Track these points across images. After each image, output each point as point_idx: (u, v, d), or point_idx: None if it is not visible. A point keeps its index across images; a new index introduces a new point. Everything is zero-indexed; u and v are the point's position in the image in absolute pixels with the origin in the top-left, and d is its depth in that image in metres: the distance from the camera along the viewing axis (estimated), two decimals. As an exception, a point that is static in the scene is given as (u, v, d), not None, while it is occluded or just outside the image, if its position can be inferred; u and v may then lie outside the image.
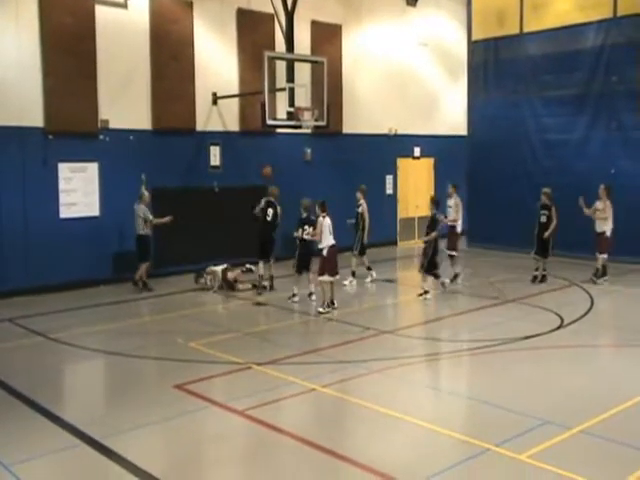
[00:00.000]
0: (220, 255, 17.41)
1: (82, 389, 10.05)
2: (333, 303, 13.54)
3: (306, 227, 14.13)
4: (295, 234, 14.34)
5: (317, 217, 13.81)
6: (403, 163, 23.12)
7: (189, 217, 17.39)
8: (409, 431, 7.91)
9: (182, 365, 10.27)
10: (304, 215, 14.35)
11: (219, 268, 15.75)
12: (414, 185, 23.49)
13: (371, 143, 21.75)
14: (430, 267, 14.57)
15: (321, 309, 13.38)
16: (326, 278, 13.45)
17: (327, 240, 13.49)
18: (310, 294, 14.42)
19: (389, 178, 22.70)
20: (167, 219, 15.57)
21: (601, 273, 15.98)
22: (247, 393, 9.06)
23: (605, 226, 15.80)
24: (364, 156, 21.42)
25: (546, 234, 15.79)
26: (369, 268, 16.47)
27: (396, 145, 22.67)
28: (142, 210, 15.38)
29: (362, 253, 16.43)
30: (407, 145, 23.10)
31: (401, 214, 23.22)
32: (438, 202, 15.09)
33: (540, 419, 7.99)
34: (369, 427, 8.08)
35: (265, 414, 8.28)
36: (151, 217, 15.50)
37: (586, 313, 13.23)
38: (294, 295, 14.34)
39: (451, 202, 16.39)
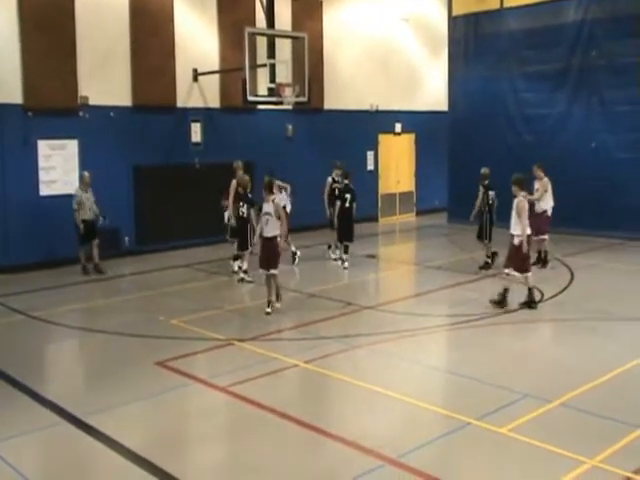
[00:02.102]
0: (202, 232, 17.43)
1: (64, 367, 10.05)
2: (269, 303, 11.80)
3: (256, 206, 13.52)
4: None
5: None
6: (384, 139, 23.10)
7: (170, 194, 17.36)
8: (391, 406, 7.98)
9: (164, 342, 10.28)
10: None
11: None
12: (395, 161, 23.50)
13: (352, 119, 21.69)
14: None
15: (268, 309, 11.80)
16: (260, 271, 12.08)
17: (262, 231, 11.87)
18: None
19: (370, 154, 22.68)
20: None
21: (544, 258, 15.01)
22: (229, 369, 9.10)
23: (546, 205, 14.97)
24: (345, 132, 21.36)
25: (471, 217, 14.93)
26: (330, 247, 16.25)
27: (377, 121, 22.62)
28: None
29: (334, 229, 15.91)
30: (388, 121, 23.06)
31: (382, 190, 23.23)
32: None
33: (520, 393, 8.08)
34: (351, 402, 8.14)
35: (247, 390, 8.31)
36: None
37: (566, 287, 13.35)
38: (242, 271, 14.09)
39: (537, 185, 15.17)
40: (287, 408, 7.80)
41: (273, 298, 11.86)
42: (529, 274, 11.78)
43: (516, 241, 11.64)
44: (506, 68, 20.74)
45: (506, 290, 11.80)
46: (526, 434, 6.97)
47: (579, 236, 18.26)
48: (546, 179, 15.09)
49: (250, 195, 13.89)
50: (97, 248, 15.13)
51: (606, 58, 18.63)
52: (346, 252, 15.48)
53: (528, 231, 11.62)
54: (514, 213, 11.73)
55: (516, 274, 11.70)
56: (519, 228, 11.59)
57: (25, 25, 15.09)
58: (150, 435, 7.42)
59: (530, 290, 11.77)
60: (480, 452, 6.84)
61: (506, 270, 11.88)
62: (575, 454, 6.55)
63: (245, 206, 13.81)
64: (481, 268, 14.78)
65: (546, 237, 15.01)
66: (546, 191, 14.99)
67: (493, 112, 20.90)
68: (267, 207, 11.77)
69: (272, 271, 11.77)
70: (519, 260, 11.70)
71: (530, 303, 11.73)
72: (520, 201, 11.69)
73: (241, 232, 13.96)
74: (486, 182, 14.85)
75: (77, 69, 15.85)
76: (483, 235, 14.86)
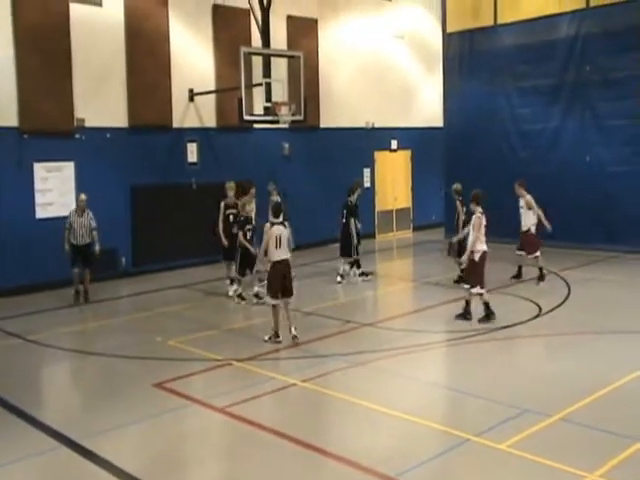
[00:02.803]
0: (199, 252, 17.42)
1: (61, 390, 10.00)
2: (277, 335, 11.09)
3: (248, 227, 13.73)
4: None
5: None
6: (380, 156, 23.15)
7: (167, 214, 17.36)
8: (390, 423, 7.95)
9: (161, 363, 10.24)
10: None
11: None
12: (392, 178, 23.54)
13: (348, 137, 21.76)
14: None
15: (265, 337, 11.19)
16: (269, 300, 11.31)
17: (272, 254, 11.08)
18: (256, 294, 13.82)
19: (367, 171, 22.71)
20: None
21: (540, 274, 14.95)
22: (227, 390, 9.07)
23: (529, 222, 14.88)
24: (342, 150, 21.42)
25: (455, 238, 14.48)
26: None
27: (373, 138, 22.68)
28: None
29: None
30: (384, 138, 23.12)
31: (379, 207, 23.25)
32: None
33: (519, 408, 8.05)
34: (350, 420, 8.11)
35: (245, 410, 8.27)
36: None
37: (564, 301, 13.33)
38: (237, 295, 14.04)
39: (522, 202, 15.17)
40: (285, 428, 7.76)
41: (292, 328, 11.11)
42: (480, 290, 11.81)
43: (476, 257, 11.78)
44: (501, 84, 20.83)
45: (467, 303, 12.06)
46: (526, 449, 6.93)
47: (576, 250, 18.30)
48: (529, 196, 15.00)
49: (248, 217, 13.87)
50: (88, 275, 14.34)
51: (599, 72, 18.72)
52: (352, 267, 15.60)
53: (484, 247, 11.78)
54: (470, 228, 11.97)
55: (474, 289, 11.86)
56: (478, 244, 11.75)
57: (20, 47, 15.14)
58: (148, 457, 7.37)
59: (486, 304, 11.88)
60: (480, 469, 6.80)
61: (465, 286, 12.20)
62: (575, 469, 6.52)
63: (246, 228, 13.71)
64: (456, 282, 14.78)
65: (537, 254, 14.90)
66: (530, 208, 14.89)
67: (488, 127, 20.97)
68: (280, 230, 11.07)
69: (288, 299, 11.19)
70: (473, 274, 11.91)
71: (488, 316, 11.86)
72: (478, 217, 11.85)
73: (242, 256, 13.75)
74: (461, 197, 14.90)
75: (73, 91, 15.88)
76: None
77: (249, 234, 13.70)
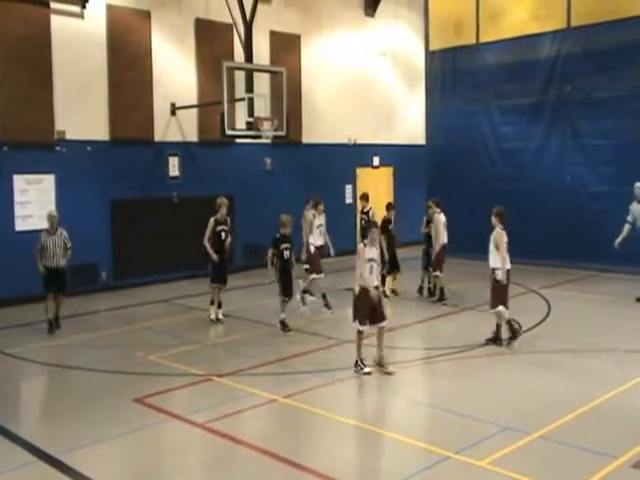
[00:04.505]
0: (179, 266, 17.34)
1: (38, 405, 9.88)
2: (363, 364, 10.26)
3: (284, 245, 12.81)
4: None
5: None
6: (362, 172, 23.20)
7: (148, 228, 17.28)
8: (369, 439, 7.92)
9: (142, 378, 10.15)
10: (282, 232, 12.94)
11: None
12: (373, 194, 23.46)
13: (331, 153, 21.81)
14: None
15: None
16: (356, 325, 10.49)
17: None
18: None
19: (349, 187, 22.77)
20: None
21: (439, 295, 14.94)
22: (207, 405, 9.00)
23: (436, 243, 14.95)
24: (324, 165, 21.47)
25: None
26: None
27: (355, 154, 22.76)
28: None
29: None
30: (366, 154, 23.21)
31: (361, 223, 23.22)
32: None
33: (500, 425, 8.05)
34: (329, 437, 8.06)
35: (226, 426, 8.21)
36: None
37: (544, 319, 13.38)
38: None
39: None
40: (265, 443, 7.70)
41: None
42: (504, 309, 11.56)
43: (500, 276, 11.35)
44: (483, 102, 21.02)
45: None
46: (506, 467, 6.92)
47: (555, 268, 18.46)
48: (439, 216, 14.95)
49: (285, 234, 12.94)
50: (62, 300, 13.20)
51: (580, 92, 18.93)
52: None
53: (507, 266, 11.36)
54: (492, 246, 11.55)
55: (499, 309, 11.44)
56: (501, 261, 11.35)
57: (1, 59, 15.06)
58: (127, 473, 7.30)
59: (508, 323, 11.50)
60: (460, 486, 6.79)
61: (492, 310, 11.54)
62: (555, 487, 6.52)
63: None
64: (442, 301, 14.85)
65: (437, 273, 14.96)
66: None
67: (470, 145, 21.14)
68: (370, 252, 10.62)
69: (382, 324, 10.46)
70: (498, 294, 11.42)
71: (514, 333, 11.49)
72: (499, 232, 11.41)
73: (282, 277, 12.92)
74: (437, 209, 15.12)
75: (54, 103, 15.82)
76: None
77: (286, 253, 12.80)
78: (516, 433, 7.81)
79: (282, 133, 16.90)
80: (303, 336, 12.47)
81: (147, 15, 17.45)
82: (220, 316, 13.63)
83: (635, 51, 17.91)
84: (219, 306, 13.67)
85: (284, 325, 12.73)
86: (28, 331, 13.24)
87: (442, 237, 14.87)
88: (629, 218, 15.02)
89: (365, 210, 16.38)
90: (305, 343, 11.93)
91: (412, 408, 9.17)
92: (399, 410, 9.09)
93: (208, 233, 13.39)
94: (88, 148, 16.45)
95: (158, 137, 17.84)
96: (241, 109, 16.97)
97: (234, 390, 9.56)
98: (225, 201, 13.73)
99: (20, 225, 15.42)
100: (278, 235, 12.85)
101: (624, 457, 7.15)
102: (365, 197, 16.46)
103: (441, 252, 14.91)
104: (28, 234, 15.27)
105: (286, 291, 12.86)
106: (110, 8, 16.77)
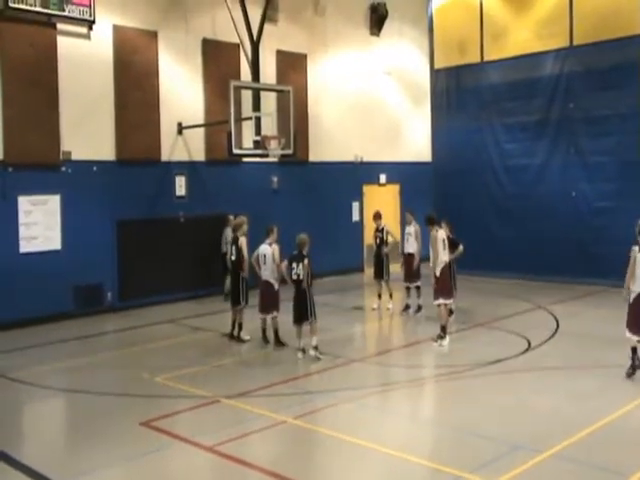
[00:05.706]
0: (186, 287, 17.29)
1: (43, 430, 9.68)
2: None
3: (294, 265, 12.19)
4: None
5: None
6: (369, 190, 23.18)
7: (154, 248, 17.24)
8: (380, 461, 7.82)
9: (148, 401, 10.07)
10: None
11: None
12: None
13: (337, 171, 21.81)
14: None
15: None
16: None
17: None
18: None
19: (355, 205, 22.75)
20: None
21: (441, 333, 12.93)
22: (215, 428, 8.90)
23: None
24: (330, 184, 21.46)
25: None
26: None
27: (362, 172, 22.75)
28: None
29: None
30: (373, 172, 23.20)
31: (368, 240, 23.17)
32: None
33: (511, 444, 7.96)
34: (340, 458, 7.97)
35: (234, 449, 8.12)
36: None
37: (553, 335, 13.30)
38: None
39: (410, 229, 15.84)
40: (275, 466, 7.62)
41: None
42: None
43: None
44: (487, 119, 21.13)
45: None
46: (519, 489, 6.84)
47: (561, 284, 18.48)
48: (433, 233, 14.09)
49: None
50: None
51: (583, 110, 19.05)
52: None
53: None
54: None
55: None
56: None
57: (6, 79, 15.05)
58: (134, 498, 7.20)
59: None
60: (473, 510, 6.69)
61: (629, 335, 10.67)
62: (570, 510, 6.42)
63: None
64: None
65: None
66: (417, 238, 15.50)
67: (475, 163, 21.20)
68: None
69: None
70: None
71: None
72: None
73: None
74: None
75: (60, 124, 15.81)
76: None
77: (293, 273, 12.18)
78: (528, 452, 7.71)
79: (289, 151, 16.92)
80: (310, 356, 12.36)
81: (154, 35, 17.50)
82: (247, 337, 13.43)
83: (637, 69, 18.00)
84: (240, 327, 13.47)
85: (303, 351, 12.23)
86: (32, 354, 13.11)
87: (442, 257, 13.02)
88: None
89: (380, 228, 16.26)
90: (312, 363, 11.84)
91: (422, 428, 9.09)
92: (409, 430, 8.98)
93: (248, 250, 13.26)
94: (94, 168, 16.43)
95: (165, 157, 17.83)
96: (248, 128, 16.98)
97: (243, 412, 9.47)
98: (245, 219, 13.65)
99: (24, 247, 15.28)
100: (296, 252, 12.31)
101: (636, 475, 7.06)
102: (378, 216, 16.36)
103: (443, 274, 13.02)
104: (33, 255, 15.28)
105: (294, 317, 12.38)
106: (117, 29, 16.82)
